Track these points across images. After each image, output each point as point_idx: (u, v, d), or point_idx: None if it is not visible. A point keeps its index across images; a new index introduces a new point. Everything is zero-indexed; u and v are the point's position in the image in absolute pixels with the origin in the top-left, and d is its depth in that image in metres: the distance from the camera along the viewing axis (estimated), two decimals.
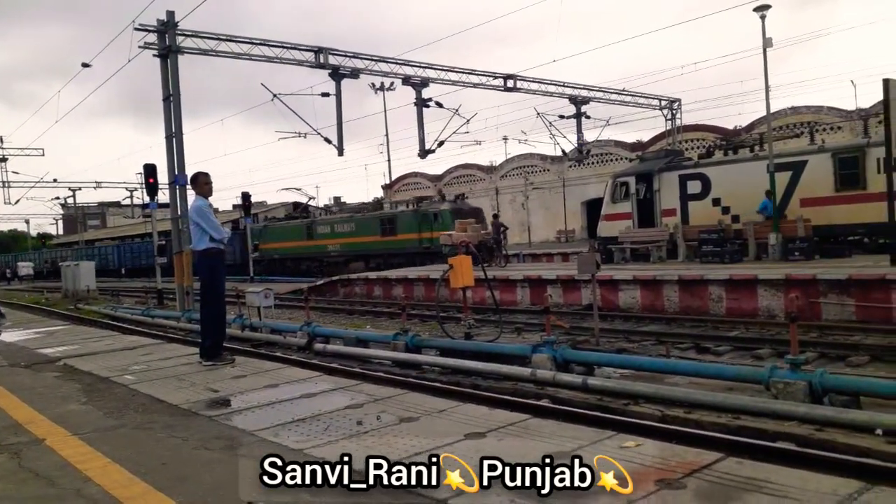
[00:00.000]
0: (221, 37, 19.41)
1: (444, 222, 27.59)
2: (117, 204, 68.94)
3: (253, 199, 38.16)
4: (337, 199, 70.71)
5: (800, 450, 5.39)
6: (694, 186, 20.52)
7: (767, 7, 17.44)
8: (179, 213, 18.66)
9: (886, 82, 13.47)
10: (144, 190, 28.92)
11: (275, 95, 20.91)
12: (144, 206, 40.74)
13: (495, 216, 26.30)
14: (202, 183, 7.58)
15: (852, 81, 45.89)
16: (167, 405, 5.43)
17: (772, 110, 20.27)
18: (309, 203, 39.98)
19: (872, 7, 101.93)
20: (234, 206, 51.94)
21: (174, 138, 18.56)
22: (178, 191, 18.90)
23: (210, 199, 7.71)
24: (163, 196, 24.64)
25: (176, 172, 18.57)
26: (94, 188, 54.72)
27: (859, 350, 9.78)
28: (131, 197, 54.59)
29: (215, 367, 7.13)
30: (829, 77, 76.88)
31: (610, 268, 18.15)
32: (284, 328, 13.92)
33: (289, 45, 19.82)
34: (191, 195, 8.77)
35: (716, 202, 19.95)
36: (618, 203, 22.23)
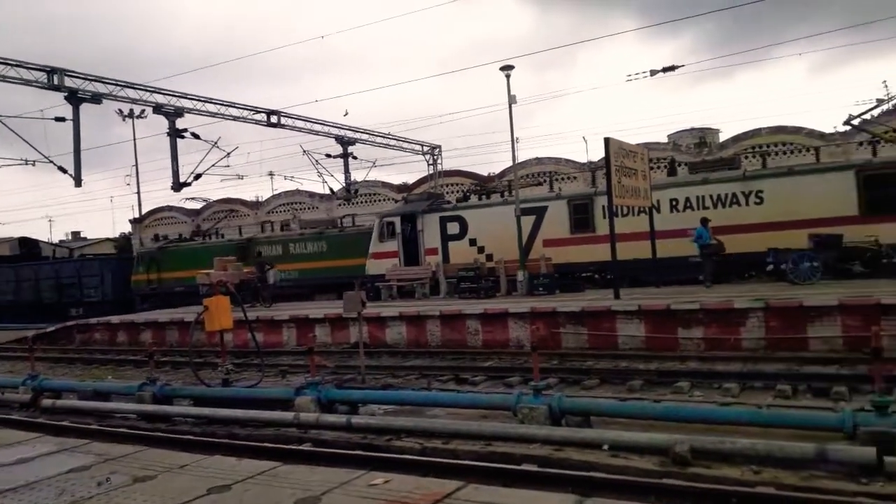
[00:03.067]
0: None
1: None
2: None
3: None
4: (76, 234, 63.04)
5: (540, 470, 5.84)
6: (453, 227, 21.82)
7: (511, 67, 19.35)
8: None
9: (607, 141, 15.64)
10: None
11: None
12: None
13: (259, 254, 25.40)
14: None
15: (584, 137, 52.82)
16: None
17: (519, 160, 22.41)
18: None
19: (597, 74, 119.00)
20: None
21: None
22: None
23: None
24: None
25: None
26: None
27: (591, 374, 10.97)
28: None
29: None
30: (568, 132, 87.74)
31: (377, 305, 18.44)
32: (2, 383, 11.94)
33: (13, 62, 17.39)
34: None
35: (472, 242, 21.38)
36: (384, 242, 22.80)
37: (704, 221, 16.61)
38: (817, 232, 15.59)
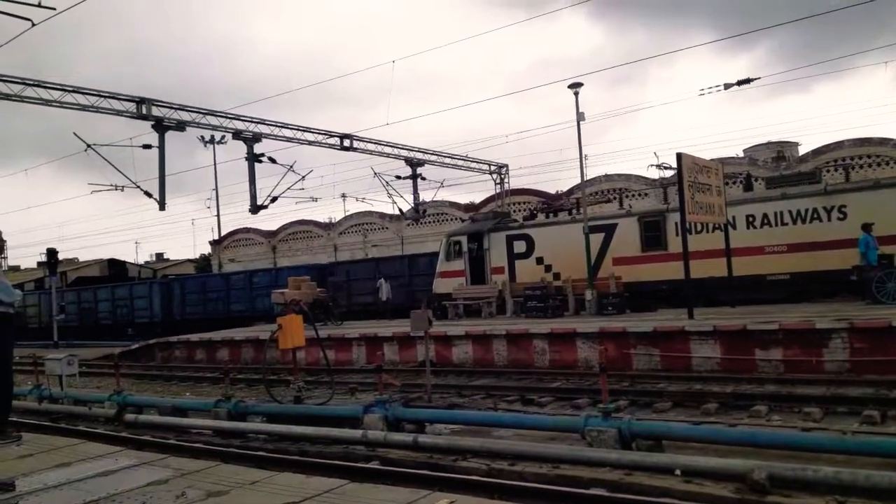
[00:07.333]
0: (28, 81, 17.76)
1: None
2: None
3: (62, 256, 34.56)
4: (160, 255, 66.28)
5: (610, 494, 5.70)
6: (520, 246, 21.73)
7: (580, 85, 19.26)
8: None
9: (679, 156, 15.29)
10: None
11: (89, 146, 19.38)
12: None
13: (331, 274, 25.99)
14: None
15: (655, 153, 51.55)
16: None
17: (588, 177, 22.11)
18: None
19: (670, 89, 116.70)
20: (39, 264, 46.90)
21: None
22: None
23: (2, 255, 6.89)
24: None
25: None
26: None
27: (664, 396, 10.65)
28: None
29: None
30: (639, 148, 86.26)
31: (444, 324, 18.52)
32: (90, 398, 12.61)
33: (106, 94, 18.55)
34: None
35: (539, 261, 21.23)
36: (451, 261, 22.93)
37: (868, 227, 14.89)
38: None
